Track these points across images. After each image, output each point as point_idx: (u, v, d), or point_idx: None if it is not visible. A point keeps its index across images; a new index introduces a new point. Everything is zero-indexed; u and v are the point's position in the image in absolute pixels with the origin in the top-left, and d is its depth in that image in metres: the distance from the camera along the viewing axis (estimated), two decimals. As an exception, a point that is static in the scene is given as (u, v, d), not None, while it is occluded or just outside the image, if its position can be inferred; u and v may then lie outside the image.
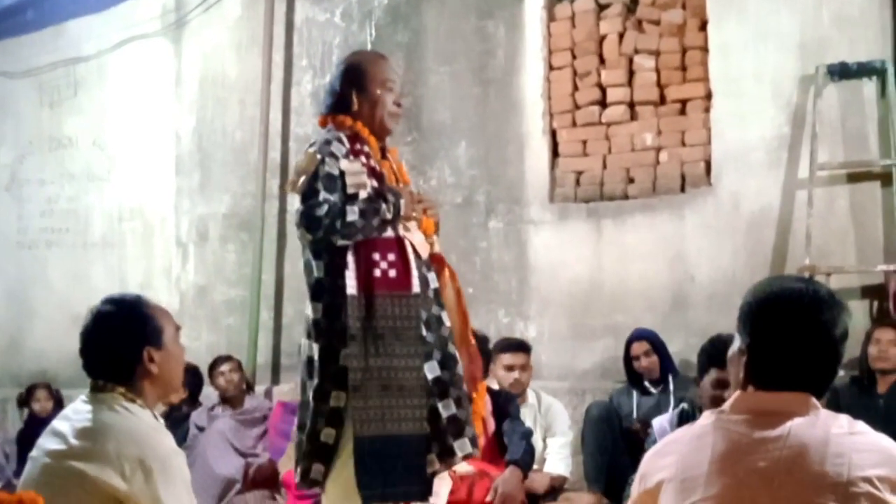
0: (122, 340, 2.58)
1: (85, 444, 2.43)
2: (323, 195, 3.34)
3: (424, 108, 6.57)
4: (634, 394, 5.37)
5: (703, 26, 5.85)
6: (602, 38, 6.16)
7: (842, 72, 5.37)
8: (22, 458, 2.72)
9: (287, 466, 6.05)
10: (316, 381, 3.36)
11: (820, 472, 1.83)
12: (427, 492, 3.43)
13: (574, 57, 6.23)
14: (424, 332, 3.41)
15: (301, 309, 6.88)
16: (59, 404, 6.73)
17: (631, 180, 6.01)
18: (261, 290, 7.07)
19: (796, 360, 1.95)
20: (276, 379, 7.06)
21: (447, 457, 3.43)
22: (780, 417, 1.91)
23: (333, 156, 3.40)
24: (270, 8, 7.19)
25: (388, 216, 3.40)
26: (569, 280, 6.06)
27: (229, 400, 6.37)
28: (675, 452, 1.99)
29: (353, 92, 3.55)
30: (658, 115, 5.97)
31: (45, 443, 2.52)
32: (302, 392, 3.48)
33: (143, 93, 7.80)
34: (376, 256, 3.38)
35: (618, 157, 6.06)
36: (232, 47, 7.46)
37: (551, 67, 6.28)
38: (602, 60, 6.15)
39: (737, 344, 2.04)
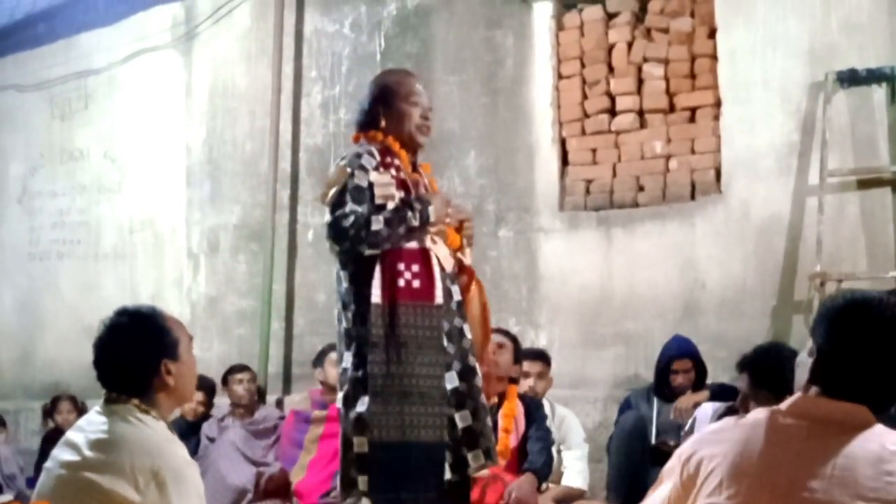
0: (139, 353, 2.57)
1: (99, 455, 2.44)
2: (350, 206, 3.44)
3: (434, 118, 6.54)
4: (655, 400, 5.24)
5: (711, 34, 5.85)
6: (611, 47, 6.17)
7: (851, 78, 5.37)
8: (40, 469, 2.71)
9: (299, 476, 6.07)
10: (347, 388, 3.46)
11: (871, 488, 1.82)
12: (442, 500, 3.45)
13: (583, 66, 6.24)
14: (446, 343, 3.48)
15: (312, 319, 6.98)
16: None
17: (641, 188, 6.00)
18: (272, 301, 7.07)
19: (866, 368, 1.94)
20: (287, 389, 7.06)
21: (461, 467, 3.47)
22: (836, 428, 1.90)
23: (363, 168, 3.51)
24: (280, 19, 7.21)
25: (415, 223, 3.49)
26: (579, 288, 6.06)
27: (241, 410, 6.38)
28: (725, 441, 1.98)
29: (381, 109, 3.69)
30: (667, 123, 5.97)
31: (60, 454, 2.52)
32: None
33: (153, 104, 7.83)
34: (401, 266, 3.46)
35: (627, 166, 6.06)
36: (242, 58, 7.49)
37: (560, 76, 6.29)
38: (611, 69, 6.16)
39: (807, 349, 2.04)
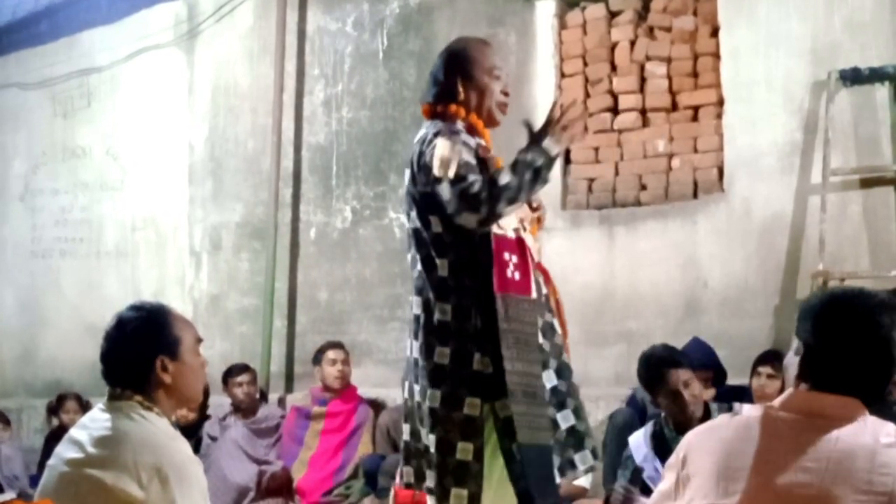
0: (135, 347, 2.58)
1: (102, 452, 2.44)
2: (472, 177, 3.06)
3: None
4: None
5: (714, 33, 5.85)
6: (613, 46, 6.16)
7: (854, 77, 5.36)
8: (43, 467, 2.71)
9: (300, 472, 6.08)
10: (445, 387, 3.10)
11: (866, 480, 1.84)
12: None
13: (585, 64, 6.23)
14: (541, 339, 3.21)
15: (314, 317, 6.98)
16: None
17: (643, 187, 6.00)
18: (274, 299, 7.08)
19: (851, 360, 1.97)
20: (289, 387, 7.07)
21: (568, 469, 3.19)
22: (829, 421, 1.92)
23: (467, 145, 3.17)
24: (282, 17, 7.21)
25: (539, 162, 3.14)
26: (581, 286, 6.05)
27: (242, 410, 6.39)
28: (719, 439, 2.00)
29: (460, 80, 3.30)
30: (670, 122, 5.97)
31: (63, 451, 2.53)
32: (411, 397, 3.23)
33: (155, 102, 7.84)
34: (506, 256, 3.15)
35: (630, 164, 6.06)
36: (244, 57, 7.49)
37: (563, 75, 6.29)
38: (613, 67, 6.16)
39: (793, 350, 2.06)
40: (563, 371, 3.26)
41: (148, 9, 7.86)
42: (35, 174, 8.48)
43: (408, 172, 3.27)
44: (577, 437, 3.21)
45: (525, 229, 3.27)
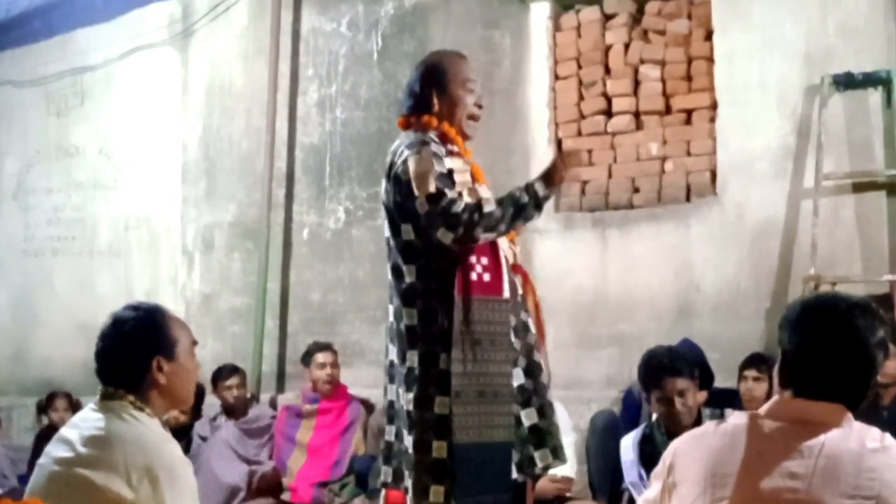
0: (132, 346, 2.57)
1: (92, 451, 2.44)
2: (451, 192, 3.20)
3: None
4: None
5: (708, 36, 5.86)
6: (608, 48, 6.17)
7: (847, 82, 5.37)
8: (33, 466, 2.71)
9: (298, 464, 6.06)
10: (416, 389, 3.24)
11: (853, 485, 1.85)
12: (512, 501, 3.32)
13: (580, 67, 6.24)
14: (513, 339, 3.33)
15: (306, 317, 6.98)
16: (77, 414, 6.67)
17: (636, 190, 6.01)
18: (266, 299, 7.08)
19: (831, 365, 1.98)
20: (280, 387, 7.07)
21: (527, 467, 3.33)
22: (815, 427, 1.93)
23: (437, 155, 3.29)
24: (277, 17, 7.21)
25: (524, 200, 3.29)
26: (574, 289, 6.06)
27: (233, 412, 6.38)
28: (706, 447, 2.00)
29: (434, 92, 3.44)
30: (663, 125, 5.97)
31: (53, 450, 2.52)
32: (393, 400, 3.39)
33: (149, 102, 7.83)
34: (472, 259, 3.28)
35: (623, 167, 6.06)
36: (238, 57, 7.49)
37: (557, 77, 6.29)
38: (608, 70, 6.16)
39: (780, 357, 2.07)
40: (533, 370, 3.38)
41: (142, 8, 7.85)
42: (28, 173, 8.47)
43: (383, 182, 3.42)
44: (538, 435, 3.34)
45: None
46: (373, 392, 6.39)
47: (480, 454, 3.21)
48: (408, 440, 3.25)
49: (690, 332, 5.56)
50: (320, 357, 6.24)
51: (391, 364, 3.40)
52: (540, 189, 3.32)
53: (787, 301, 5.42)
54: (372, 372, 6.58)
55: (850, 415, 1.95)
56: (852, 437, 1.91)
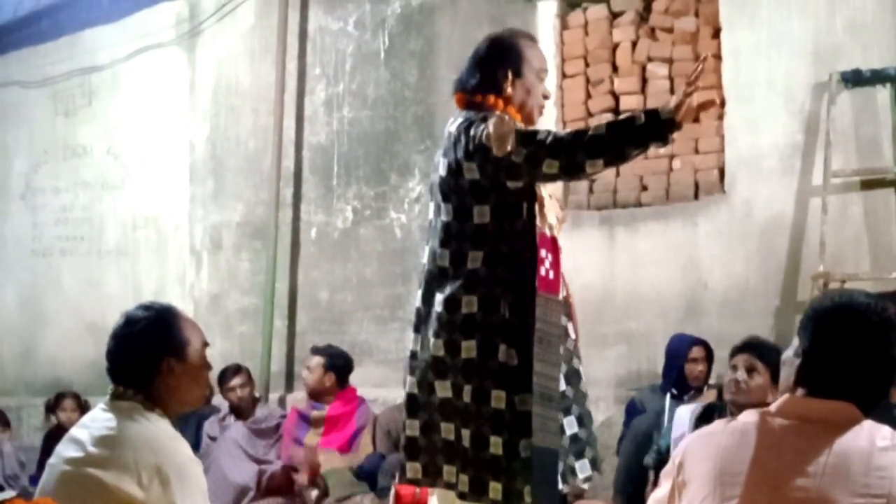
0: (143, 346, 2.56)
1: (103, 451, 2.43)
2: (542, 130, 2.94)
3: (438, 117, 6.57)
4: (668, 398, 5.14)
5: (716, 34, 5.85)
6: (615, 46, 6.17)
7: (855, 79, 5.36)
8: (42, 466, 2.71)
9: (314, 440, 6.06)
10: (475, 381, 2.99)
11: (863, 484, 1.85)
12: None
13: (587, 65, 6.24)
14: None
15: (314, 317, 6.98)
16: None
17: (644, 188, 6.01)
18: (274, 299, 7.08)
19: (851, 371, 1.96)
20: (289, 387, 7.07)
21: (570, 476, 3.15)
22: (826, 427, 1.93)
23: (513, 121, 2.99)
24: (284, 17, 7.21)
25: (641, 120, 2.90)
26: (582, 287, 6.02)
27: (240, 412, 6.37)
28: (715, 445, 2.00)
29: (509, 74, 3.11)
30: (671, 123, 5.96)
31: (64, 450, 2.52)
32: (429, 392, 3.10)
33: (157, 101, 7.84)
34: (543, 253, 3.05)
35: (631, 165, 6.01)
36: (245, 56, 7.49)
37: (564, 75, 6.29)
38: (615, 68, 6.16)
39: (792, 348, 2.05)
40: (572, 377, 3.20)
41: (149, 8, 7.87)
42: (36, 173, 8.49)
43: (443, 163, 3.11)
44: (578, 446, 3.17)
45: (559, 230, 3.20)
46: (381, 391, 6.39)
47: (552, 459, 3.03)
48: (462, 434, 3.03)
49: (698, 329, 5.55)
50: (315, 360, 6.16)
51: (413, 355, 3.15)
52: (663, 112, 2.91)
53: (795, 299, 5.42)
54: (380, 371, 6.59)
55: (860, 414, 1.94)
56: (862, 435, 1.90)
